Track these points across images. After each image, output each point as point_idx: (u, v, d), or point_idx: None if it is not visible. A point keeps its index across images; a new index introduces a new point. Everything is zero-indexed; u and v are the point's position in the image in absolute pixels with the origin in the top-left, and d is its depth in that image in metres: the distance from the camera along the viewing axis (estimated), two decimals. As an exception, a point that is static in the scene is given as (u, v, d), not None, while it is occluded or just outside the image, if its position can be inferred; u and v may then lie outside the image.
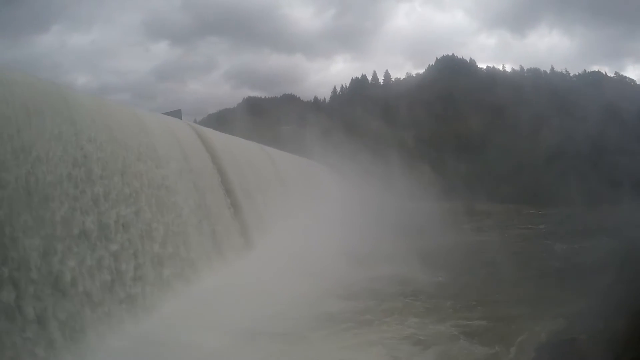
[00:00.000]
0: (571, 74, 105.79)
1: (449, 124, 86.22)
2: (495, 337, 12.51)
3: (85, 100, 14.42)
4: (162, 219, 15.75)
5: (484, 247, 30.43)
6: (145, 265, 13.70)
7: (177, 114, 36.73)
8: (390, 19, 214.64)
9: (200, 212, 19.01)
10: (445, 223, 37.85)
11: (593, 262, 21.82)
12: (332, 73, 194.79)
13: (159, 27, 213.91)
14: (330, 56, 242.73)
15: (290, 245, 23.44)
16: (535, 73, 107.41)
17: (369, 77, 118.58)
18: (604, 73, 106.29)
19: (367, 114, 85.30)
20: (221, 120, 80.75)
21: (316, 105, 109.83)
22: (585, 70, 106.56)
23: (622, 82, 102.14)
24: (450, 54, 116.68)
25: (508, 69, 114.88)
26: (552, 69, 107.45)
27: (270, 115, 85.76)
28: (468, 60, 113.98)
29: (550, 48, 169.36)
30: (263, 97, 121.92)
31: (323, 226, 29.81)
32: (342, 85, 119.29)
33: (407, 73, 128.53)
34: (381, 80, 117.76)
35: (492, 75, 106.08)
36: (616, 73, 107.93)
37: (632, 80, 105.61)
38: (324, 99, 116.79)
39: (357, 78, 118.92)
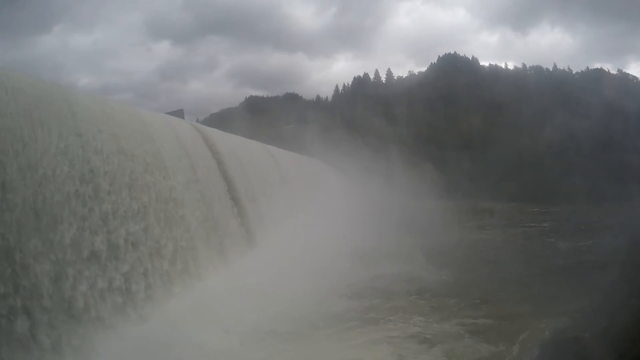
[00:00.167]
0: (574, 72, 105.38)
1: (451, 122, 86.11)
2: (499, 336, 12.59)
3: (91, 106, 14.34)
4: (171, 234, 15.57)
5: (488, 245, 30.47)
6: (156, 284, 13.50)
7: (179, 113, 36.87)
8: (391, 17, 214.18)
9: (208, 224, 18.81)
10: (448, 221, 37.90)
11: (596, 260, 21.85)
12: (334, 72, 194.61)
13: (161, 27, 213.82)
14: (332, 55, 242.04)
15: (294, 244, 23.55)
16: (537, 70, 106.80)
17: (371, 76, 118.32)
18: (606, 70, 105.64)
19: (370, 113, 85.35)
20: (223, 119, 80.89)
21: (318, 104, 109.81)
22: (587, 68, 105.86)
23: (625, 79, 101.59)
24: (452, 52, 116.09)
25: (510, 66, 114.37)
26: (555, 66, 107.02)
27: (273, 114, 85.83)
28: (470, 58, 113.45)
29: (552, 45, 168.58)
30: (265, 96, 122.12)
31: (326, 224, 29.91)
32: (344, 84, 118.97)
33: (409, 71, 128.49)
34: (383, 79, 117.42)
35: (495, 73, 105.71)
36: (619, 70, 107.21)
37: (635, 77, 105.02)
38: (326, 97, 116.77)
39: (359, 76, 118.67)
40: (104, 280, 11.29)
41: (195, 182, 19.31)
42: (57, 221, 10.51)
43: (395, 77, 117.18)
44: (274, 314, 14.28)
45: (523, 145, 76.25)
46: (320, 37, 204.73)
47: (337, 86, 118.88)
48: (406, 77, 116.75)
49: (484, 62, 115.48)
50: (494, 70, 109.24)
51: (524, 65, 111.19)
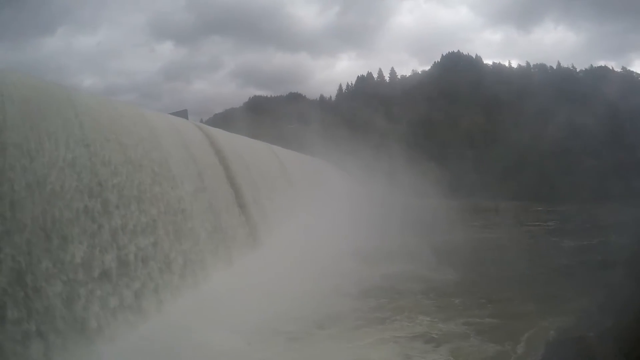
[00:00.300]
0: (578, 70, 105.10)
1: (455, 120, 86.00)
2: (505, 335, 12.65)
3: (98, 113, 14.09)
4: (180, 248, 15.32)
5: (492, 244, 30.48)
6: (167, 300, 13.31)
7: (183, 114, 36.95)
8: (394, 16, 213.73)
9: (216, 235, 18.56)
10: (452, 220, 37.86)
11: (601, 259, 21.92)
12: (337, 71, 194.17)
13: (164, 28, 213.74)
14: (335, 54, 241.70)
15: (298, 244, 23.59)
16: (541, 69, 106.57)
17: (375, 75, 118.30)
18: (610, 68, 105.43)
19: (373, 112, 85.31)
20: (227, 119, 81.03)
21: (322, 103, 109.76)
22: (591, 66, 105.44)
23: (629, 76, 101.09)
24: (455, 50, 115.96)
25: (514, 65, 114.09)
26: (559, 64, 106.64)
27: (276, 114, 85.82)
28: (474, 57, 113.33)
29: (556, 43, 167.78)
30: (269, 96, 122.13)
31: (330, 224, 29.97)
32: (347, 83, 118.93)
33: (413, 70, 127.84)
34: (387, 78, 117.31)
35: (498, 72, 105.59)
36: (623, 68, 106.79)
37: (639, 74, 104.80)
38: (330, 97, 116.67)
39: (363, 76, 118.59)
40: (115, 299, 11.16)
41: (203, 190, 19.12)
42: (68, 240, 10.38)
43: (399, 76, 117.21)
44: (279, 314, 14.33)
45: (527, 143, 76.04)
46: (323, 37, 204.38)
47: (340, 85, 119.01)
48: (410, 76, 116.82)
49: (488, 61, 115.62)
50: (498, 69, 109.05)
51: (527, 63, 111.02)
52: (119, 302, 11.23)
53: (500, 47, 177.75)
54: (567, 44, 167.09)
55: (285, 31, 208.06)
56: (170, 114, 27.89)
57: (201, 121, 65.54)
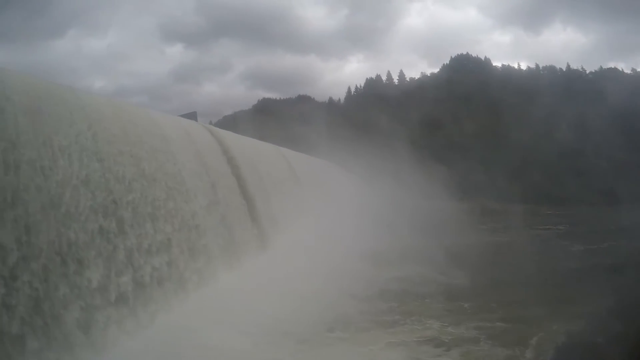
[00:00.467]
0: (587, 71, 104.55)
1: (464, 123, 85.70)
2: (515, 339, 12.65)
3: (111, 124, 13.70)
4: (195, 265, 15.13)
5: (501, 248, 30.47)
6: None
7: (192, 115, 37.20)
8: (402, 18, 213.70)
9: (230, 248, 18.46)
10: (461, 223, 37.84)
11: (612, 262, 21.78)
12: (346, 73, 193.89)
13: (174, 30, 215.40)
14: (344, 56, 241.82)
15: (307, 247, 23.62)
16: (550, 70, 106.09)
17: (384, 77, 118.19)
18: (620, 69, 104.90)
19: (382, 114, 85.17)
20: (236, 121, 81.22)
21: (331, 105, 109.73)
22: (601, 67, 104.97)
23: (639, 78, 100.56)
24: (464, 52, 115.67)
25: (523, 66, 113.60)
26: (568, 66, 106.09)
27: (285, 116, 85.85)
28: (483, 59, 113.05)
29: (565, 45, 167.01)
30: (278, 98, 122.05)
31: (339, 226, 30.02)
32: (356, 86, 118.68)
33: (422, 72, 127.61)
34: (396, 80, 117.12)
35: (508, 74, 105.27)
36: (633, 69, 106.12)
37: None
38: (339, 99, 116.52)
39: (372, 78, 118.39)
40: (132, 321, 11.05)
41: (217, 204, 18.94)
42: (84, 264, 10.22)
43: (408, 79, 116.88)
44: (288, 316, 14.36)
45: (536, 145, 75.75)
46: (332, 39, 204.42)
47: (349, 88, 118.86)
48: (419, 78, 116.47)
49: (497, 63, 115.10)
50: (507, 71, 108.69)
51: (536, 65, 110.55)
52: (136, 325, 11.09)
53: (509, 49, 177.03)
54: (576, 45, 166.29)
55: (294, 33, 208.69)
56: (179, 115, 28.08)
57: (210, 123, 65.82)
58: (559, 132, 73.85)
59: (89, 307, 9.86)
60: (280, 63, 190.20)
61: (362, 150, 58.15)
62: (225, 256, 17.71)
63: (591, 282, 18.82)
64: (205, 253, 16.27)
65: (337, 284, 18.37)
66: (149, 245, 13.02)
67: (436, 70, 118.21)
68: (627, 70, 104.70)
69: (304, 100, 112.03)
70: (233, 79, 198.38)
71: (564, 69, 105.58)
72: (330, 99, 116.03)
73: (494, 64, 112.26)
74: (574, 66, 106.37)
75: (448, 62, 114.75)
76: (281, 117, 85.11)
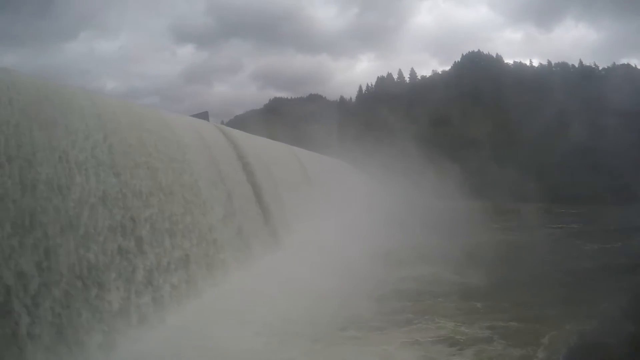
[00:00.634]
0: (600, 68, 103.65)
1: (476, 121, 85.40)
2: (528, 339, 12.61)
3: (126, 133, 13.43)
4: (212, 281, 15.01)
5: (514, 247, 30.37)
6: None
7: (204, 115, 37.61)
8: (413, 16, 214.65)
9: (247, 262, 18.28)
10: (474, 222, 37.70)
11: (626, 262, 21.72)
12: (357, 72, 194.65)
13: (185, 31, 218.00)
14: (355, 55, 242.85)
15: (319, 245, 23.69)
16: (563, 67, 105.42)
17: (395, 76, 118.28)
18: (633, 66, 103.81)
19: (393, 113, 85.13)
20: (248, 121, 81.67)
21: (342, 104, 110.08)
22: (614, 64, 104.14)
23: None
24: (476, 50, 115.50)
25: (535, 63, 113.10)
26: (581, 62, 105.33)
27: (296, 116, 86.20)
28: (494, 56, 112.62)
29: (577, 41, 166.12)
30: (289, 97, 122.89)
31: (351, 225, 30.15)
32: (367, 84, 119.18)
33: (433, 70, 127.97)
34: (407, 78, 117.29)
35: (520, 71, 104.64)
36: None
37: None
38: (350, 98, 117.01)
39: (383, 77, 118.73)
40: (152, 341, 10.77)
41: (233, 215, 18.75)
42: (105, 287, 10.08)
43: (419, 77, 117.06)
44: (300, 316, 14.40)
45: (549, 143, 75.28)
46: (343, 38, 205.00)
47: (360, 87, 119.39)
48: (430, 76, 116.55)
49: (509, 60, 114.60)
50: (519, 68, 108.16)
51: (549, 62, 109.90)
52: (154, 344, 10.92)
53: (520, 46, 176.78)
54: (588, 41, 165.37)
55: (304, 33, 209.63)
56: (191, 116, 28.33)
57: (222, 123, 66.20)
58: (571, 130, 73.20)
59: (112, 331, 9.79)
60: (291, 63, 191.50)
61: (374, 149, 58.19)
62: (239, 260, 17.70)
63: (604, 282, 18.80)
64: (223, 268, 16.13)
65: (350, 283, 18.37)
66: (167, 263, 12.92)
67: (447, 68, 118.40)
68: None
69: (315, 99, 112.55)
70: (244, 79, 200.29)
71: (576, 66, 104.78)
72: (342, 98, 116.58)
73: (505, 61, 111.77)
74: (586, 62, 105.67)
75: (459, 60, 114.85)
76: (292, 116, 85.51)
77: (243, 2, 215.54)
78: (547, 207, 55.71)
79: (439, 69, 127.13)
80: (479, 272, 20.61)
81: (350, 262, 21.24)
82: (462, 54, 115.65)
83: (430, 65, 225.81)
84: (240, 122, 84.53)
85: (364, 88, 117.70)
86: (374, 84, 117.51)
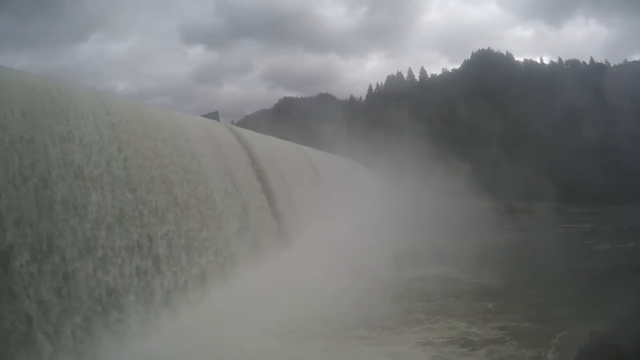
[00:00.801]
0: (611, 65, 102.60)
1: (486, 119, 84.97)
2: (540, 340, 12.65)
3: (141, 143, 13.09)
4: (229, 291, 14.77)
5: (526, 247, 30.32)
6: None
7: (214, 115, 37.68)
8: (422, 14, 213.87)
9: (262, 271, 18.00)
10: (485, 221, 37.63)
11: (637, 263, 21.61)
12: (367, 71, 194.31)
13: (194, 32, 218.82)
14: (365, 54, 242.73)
15: (330, 245, 23.76)
16: (574, 65, 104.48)
17: (405, 74, 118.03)
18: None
19: (403, 112, 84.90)
20: (258, 121, 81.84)
21: (352, 103, 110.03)
22: (625, 60, 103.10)
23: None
24: (486, 47, 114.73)
25: (546, 61, 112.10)
26: (592, 60, 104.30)
27: (307, 115, 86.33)
28: (505, 54, 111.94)
29: (587, 38, 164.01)
30: (299, 97, 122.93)
31: (362, 225, 30.20)
32: (377, 83, 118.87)
33: (443, 69, 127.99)
34: (417, 77, 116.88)
35: (530, 69, 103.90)
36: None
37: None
38: (360, 97, 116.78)
39: (393, 75, 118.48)
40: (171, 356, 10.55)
41: (248, 227, 18.58)
42: (124, 311, 9.88)
43: (429, 75, 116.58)
44: (313, 315, 14.53)
45: (560, 142, 74.68)
46: (353, 37, 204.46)
47: (370, 86, 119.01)
48: (440, 74, 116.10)
49: (519, 58, 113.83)
50: (530, 66, 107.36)
51: (559, 59, 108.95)
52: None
53: (531, 44, 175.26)
54: (599, 38, 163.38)
55: (314, 32, 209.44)
56: (201, 115, 28.53)
57: (232, 122, 66.51)
58: (584, 128, 72.61)
59: (133, 354, 9.59)
60: (301, 62, 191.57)
61: (383, 148, 58.17)
62: (253, 270, 17.59)
63: (616, 283, 18.75)
64: (241, 281, 15.90)
65: (361, 283, 18.46)
66: (185, 282, 12.68)
67: (457, 66, 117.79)
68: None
69: (325, 98, 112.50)
70: (254, 78, 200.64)
71: (588, 63, 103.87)
72: (352, 97, 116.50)
73: (516, 59, 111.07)
74: (597, 60, 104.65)
75: (469, 58, 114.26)
76: (302, 115, 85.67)
77: (252, 2, 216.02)
78: (559, 206, 55.30)
79: (449, 68, 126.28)
80: (490, 272, 20.67)
81: (361, 262, 21.32)
82: (472, 52, 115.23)
83: (440, 64, 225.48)
84: (251, 121, 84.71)
85: (373, 87, 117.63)
86: (383, 83, 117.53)
